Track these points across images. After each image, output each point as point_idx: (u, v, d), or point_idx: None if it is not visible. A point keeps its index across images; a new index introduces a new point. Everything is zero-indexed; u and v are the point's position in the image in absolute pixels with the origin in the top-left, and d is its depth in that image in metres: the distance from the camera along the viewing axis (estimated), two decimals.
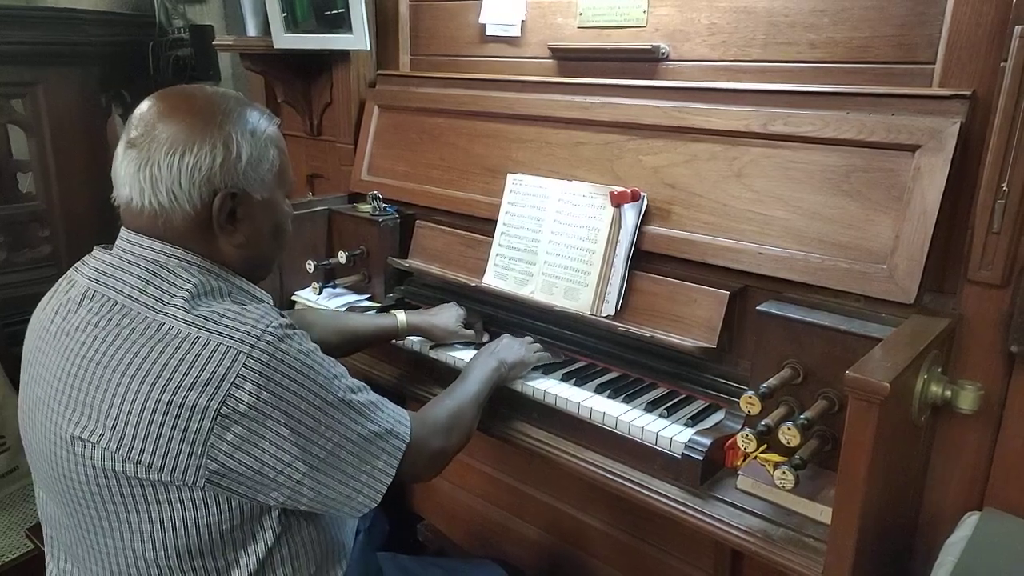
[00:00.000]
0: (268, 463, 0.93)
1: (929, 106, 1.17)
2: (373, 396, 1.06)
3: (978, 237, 1.09)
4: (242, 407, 0.90)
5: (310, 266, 1.83)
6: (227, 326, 0.92)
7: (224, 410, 0.89)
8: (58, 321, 0.99)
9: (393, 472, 1.06)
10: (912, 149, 1.16)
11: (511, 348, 1.43)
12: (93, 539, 0.98)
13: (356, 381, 1.05)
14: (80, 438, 0.92)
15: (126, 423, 0.90)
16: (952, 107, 1.14)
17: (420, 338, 1.59)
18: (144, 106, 1.00)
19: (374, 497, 1.04)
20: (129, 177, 0.97)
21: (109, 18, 3.03)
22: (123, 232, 1.01)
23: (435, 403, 1.26)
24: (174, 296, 0.95)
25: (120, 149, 0.99)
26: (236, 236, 1.03)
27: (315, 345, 1.00)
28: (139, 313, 0.94)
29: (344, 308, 1.79)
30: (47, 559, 1.10)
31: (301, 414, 0.95)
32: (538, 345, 1.50)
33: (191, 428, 0.89)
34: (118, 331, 0.93)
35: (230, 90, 1.07)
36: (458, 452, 1.23)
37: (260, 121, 1.04)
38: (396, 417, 1.08)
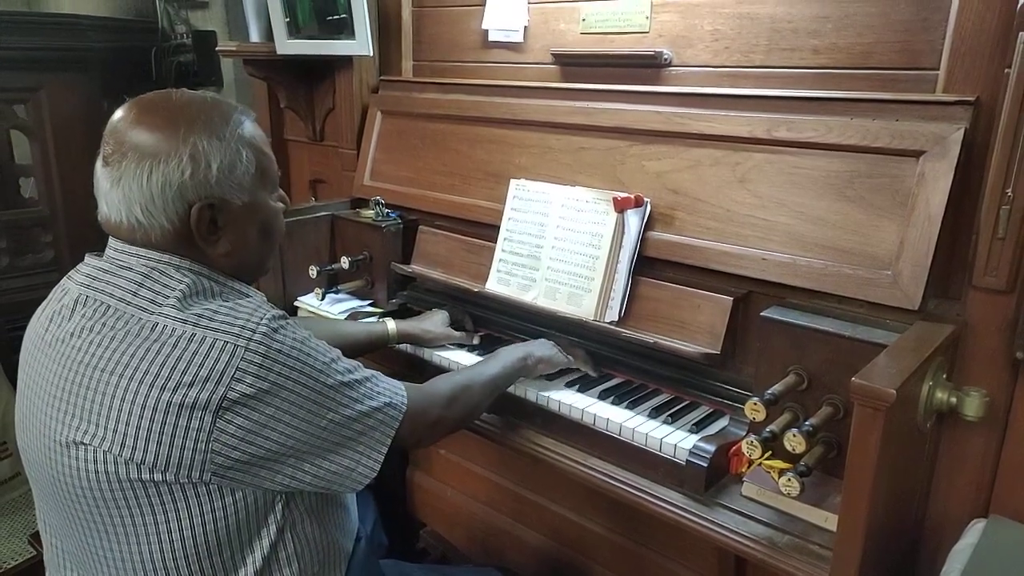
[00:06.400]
0: (272, 450, 0.94)
1: (933, 112, 1.16)
2: (367, 372, 1.08)
3: (983, 243, 1.08)
4: (243, 399, 0.91)
5: (313, 272, 1.83)
6: (222, 322, 0.93)
7: (225, 404, 0.90)
8: (52, 329, 0.99)
9: (390, 441, 1.07)
10: (916, 155, 1.16)
11: (544, 345, 1.45)
12: (98, 545, 0.97)
13: (350, 362, 1.06)
14: (80, 443, 0.92)
15: (127, 424, 0.90)
16: (956, 113, 1.14)
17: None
18: (115, 117, 0.99)
19: (373, 468, 1.06)
20: (105, 194, 0.97)
21: (112, 24, 3.05)
22: (112, 241, 1.01)
23: (445, 376, 1.29)
24: (167, 297, 0.95)
25: (98, 165, 0.98)
26: (221, 244, 1.01)
27: (308, 332, 1.00)
28: (132, 315, 0.94)
29: (346, 314, 1.79)
30: (47, 570, 1.10)
31: (303, 400, 0.96)
32: (582, 351, 1.50)
33: (193, 424, 0.89)
34: (113, 334, 0.93)
35: (204, 92, 1.04)
36: (460, 425, 1.26)
37: (229, 123, 1.00)
38: (392, 389, 1.10)
